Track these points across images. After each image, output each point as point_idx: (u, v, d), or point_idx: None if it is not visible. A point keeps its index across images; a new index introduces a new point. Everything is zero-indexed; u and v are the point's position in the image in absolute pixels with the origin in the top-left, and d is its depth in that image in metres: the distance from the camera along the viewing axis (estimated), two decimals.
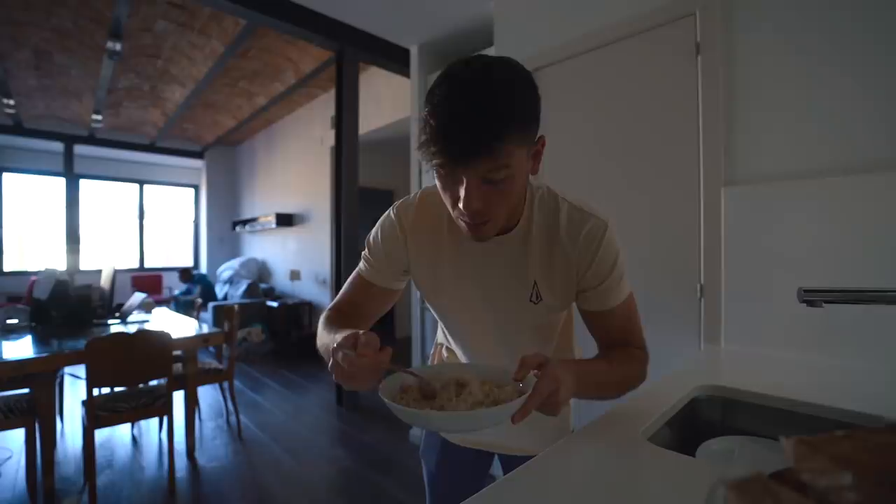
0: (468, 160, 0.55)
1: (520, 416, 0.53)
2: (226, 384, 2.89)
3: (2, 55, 3.77)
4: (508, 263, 0.72)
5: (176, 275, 6.15)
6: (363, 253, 0.81)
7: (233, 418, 2.94)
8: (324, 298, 5.14)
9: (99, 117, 5.11)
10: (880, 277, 1.06)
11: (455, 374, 0.62)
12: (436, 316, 0.86)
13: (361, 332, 0.56)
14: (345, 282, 0.83)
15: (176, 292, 6.03)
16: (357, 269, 0.82)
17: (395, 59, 2.99)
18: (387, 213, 0.79)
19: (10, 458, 2.45)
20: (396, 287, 0.81)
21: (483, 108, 0.53)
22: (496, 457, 0.94)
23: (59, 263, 5.81)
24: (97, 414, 1.98)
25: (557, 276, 0.71)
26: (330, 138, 4.69)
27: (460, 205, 0.59)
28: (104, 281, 3.00)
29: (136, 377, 2.06)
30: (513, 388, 0.58)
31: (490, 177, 0.57)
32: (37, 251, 6.21)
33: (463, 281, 0.75)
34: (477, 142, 0.53)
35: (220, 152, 7.19)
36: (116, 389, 2.23)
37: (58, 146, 5.86)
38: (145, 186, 7.04)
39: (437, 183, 0.63)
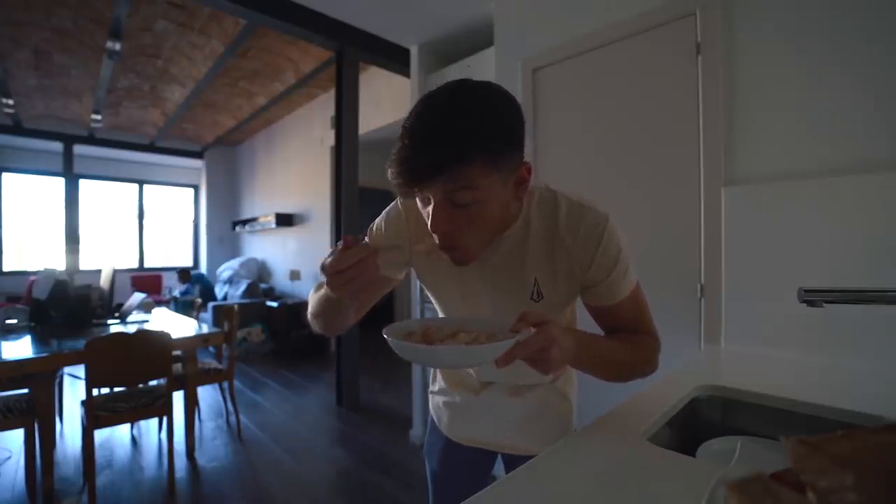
0: (421, 182, 0.55)
1: (503, 361, 0.54)
2: (226, 384, 2.89)
3: (2, 55, 3.77)
4: (508, 261, 0.72)
5: (175, 274, 6.15)
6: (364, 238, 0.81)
7: (233, 418, 2.94)
8: None
9: (98, 117, 5.12)
10: (880, 277, 1.06)
11: (459, 326, 0.65)
12: (439, 312, 0.87)
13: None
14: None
15: (175, 292, 6.02)
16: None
17: (395, 59, 2.99)
18: (394, 203, 0.79)
19: (9, 458, 2.45)
20: (393, 276, 0.81)
21: (442, 131, 0.54)
22: (499, 456, 0.94)
23: (59, 263, 5.80)
24: (96, 414, 1.98)
25: (559, 272, 0.71)
26: (330, 138, 4.69)
27: (429, 225, 0.60)
28: (104, 281, 3.00)
29: (136, 377, 2.06)
30: (502, 338, 0.58)
31: (455, 199, 0.57)
32: (36, 251, 6.21)
33: (464, 279, 0.75)
34: (431, 164, 0.54)
35: (219, 152, 7.18)
36: (116, 390, 2.23)
37: (57, 146, 5.86)
38: (145, 186, 7.04)
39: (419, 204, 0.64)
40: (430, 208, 0.59)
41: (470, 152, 0.54)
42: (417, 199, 0.63)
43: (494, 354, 0.53)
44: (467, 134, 0.54)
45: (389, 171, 0.57)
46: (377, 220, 0.81)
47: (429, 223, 0.60)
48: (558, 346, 0.56)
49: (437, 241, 0.63)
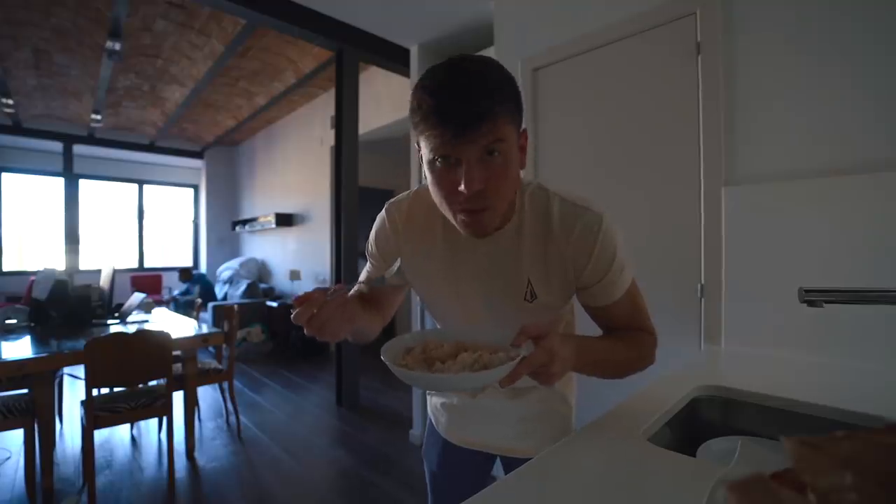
0: (465, 131, 0.55)
1: (507, 382, 0.54)
2: (225, 384, 2.89)
3: (1, 55, 3.77)
4: (501, 261, 0.71)
5: (175, 275, 6.15)
6: (366, 252, 0.84)
7: (232, 418, 2.94)
8: None
9: (98, 117, 5.12)
10: (880, 277, 1.06)
11: (458, 339, 0.65)
12: (432, 317, 0.86)
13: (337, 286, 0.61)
14: (347, 280, 0.85)
15: (175, 292, 6.02)
16: (366, 265, 0.86)
17: (395, 59, 2.99)
18: (381, 211, 0.80)
19: (9, 458, 2.45)
20: (401, 283, 0.83)
21: (479, 79, 0.56)
22: (498, 458, 0.94)
23: (59, 263, 5.81)
24: (96, 414, 1.98)
25: (552, 273, 0.70)
26: (330, 138, 4.69)
27: (461, 187, 0.58)
28: (103, 281, 3.00)
29: (136, 377, 2.06)
30: (505, 355, 0.58)
31: (490, 147, 0.57)
32: (36, 251, 6.21)
33: (457, 280, 0.75)
34: (480, 107, 0.55)
35: (219, 152, 7.19)
36: (116, 390, 2.23)
37: (57, 146, 5.86)
38: (145, 186, 7.04)
39: (431, 178, 0.62)
40: (458, 172, 0.58)
41: (502, 103, 0.57)
42: (431, 172, 0.61)
43: (499, 377, 0.53)
44: (498, 86, 0.57)
45: (428, 128, 0.57)
46: (369, 236, 0.81)
47: (461, 186, 0.58)
48: (559, 359, 0.57)
49: (459, 206, 0.61)
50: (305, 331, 0.59)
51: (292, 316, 0.57)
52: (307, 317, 0.57)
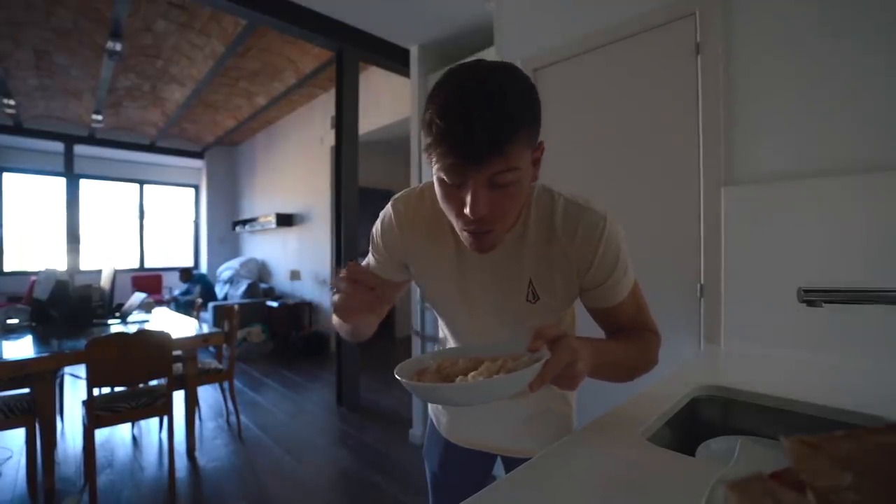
0: (481, 160, 0.53)
1: (537, 384, 0.52)
2: (226, 384, 2.90)
3: (2, 55, 3.77)
4: (504, 262, 0.71)
5: (176, 275, 6.16)
6: (370, 246, 0.82)
7: (233, 418, 2.94)
8: (324, 298, 5.14)
9: (99, 117, 5.12)
10: (880, 277, 1.06)
11: (477, 354, 0.63)
12: (436, 314, 0.86)
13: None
14: None
15: (175, 292, 6.03)
16: (367, 258, 0.84)
17: (395, 59, 2.99)
18: (387, 205, 0.79)
19: (10, 458, 2.45)
20: (402, 278, 0.82)
21: (494, 107, 0.52)
22: (499, 458, 0.94)
23: (60, 263, 5.81)
24: (97, 414, 1.98)
25: (556, 274, 0.70)
26: (330, 138, 4.69)
27: (466, 211, 0.57)
28: (104, 281, 3.00)
29: (137, 377, 2.06)
30: (528, 360, 0.56)
31: (498, 180, 0.56)
32: (37, 251, 6.21)
33: (461, 279, 0.75)
34: (491, 141, 0.53)
35: (220, 152, 7.19)
36: (116, 389, 2.23)
37: (58, 146, 5.86)
38: (145, 186, 7.04)
39: (439, 191, 0.61)
40: (466, 194, 0.57)
41: (518, 130, 0.54)
42: (440, 186, 0.60)
43: (525, 381, 0.52)
44: (514, 112, 0.54)
45: (436, 150, 0.55)
46: (375, 225, 0.80)
47: (466, 209, 0.57)
48: (582, 360, 0.56)
49: (464, 226, 0.60)
50: (335, 297, 0.59)
51: (332, 289, 0.59)
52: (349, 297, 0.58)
